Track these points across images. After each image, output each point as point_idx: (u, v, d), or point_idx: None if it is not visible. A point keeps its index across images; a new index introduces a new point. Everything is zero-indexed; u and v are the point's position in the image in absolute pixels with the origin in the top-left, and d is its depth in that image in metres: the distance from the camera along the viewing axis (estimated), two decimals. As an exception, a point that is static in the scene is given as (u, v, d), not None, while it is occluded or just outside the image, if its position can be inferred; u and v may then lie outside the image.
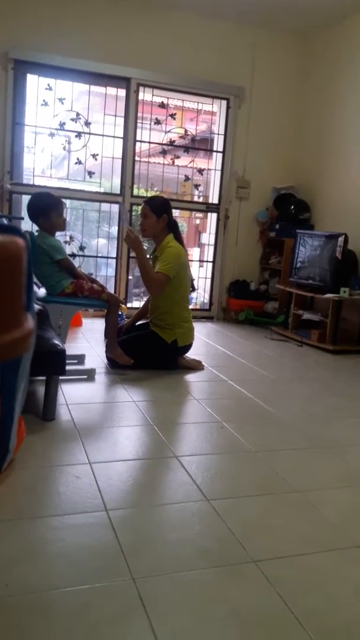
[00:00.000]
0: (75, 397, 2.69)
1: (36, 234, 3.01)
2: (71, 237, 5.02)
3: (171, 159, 5.31)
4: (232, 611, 1.27)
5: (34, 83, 4.76)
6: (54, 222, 3.00)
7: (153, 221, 3.29)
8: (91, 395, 2.81)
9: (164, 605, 1.27)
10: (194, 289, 3.78)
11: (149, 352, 3.30)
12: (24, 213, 4.92)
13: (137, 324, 3.63)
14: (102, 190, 5.15)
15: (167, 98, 5.20)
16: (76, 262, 4.88)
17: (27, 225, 4.76)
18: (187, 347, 3.43)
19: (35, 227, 3.09)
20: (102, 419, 2.54)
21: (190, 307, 3.94)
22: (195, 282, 5.56)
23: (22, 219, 4.19)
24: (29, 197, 3.12)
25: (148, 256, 3.38)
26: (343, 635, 1.23)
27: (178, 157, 5.35)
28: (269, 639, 1.20)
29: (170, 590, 1.33)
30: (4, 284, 0.69)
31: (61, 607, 1.24)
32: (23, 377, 0.95)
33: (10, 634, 1.16)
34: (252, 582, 1.38)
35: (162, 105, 5.19)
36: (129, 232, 3.24)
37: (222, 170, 5.43)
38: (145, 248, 3.42)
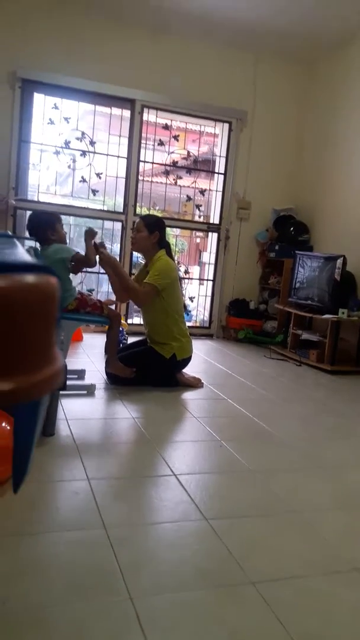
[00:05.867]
0: (75, 413, 2.70)
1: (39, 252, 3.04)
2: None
3: (174, 179, 5.39)
4: (229, 632, 1.27)
5: (41, 102, 4.85)
6: (61, 232, 3.06)
7: (144, 236, 3.36)
8: (91, 410, 2.82)
9: (161, 625, 1.27)
10: (185, 309, 3.82)
11: (148, 368, 3.31)
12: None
13: (135, 341, 3.66)
14: (105, 208, 5.22)
15: (171, 120, 5.30)
16: (78, 277, 4.91)
17: (30, 242, 4.79)
18: (186, 361, 3.44)
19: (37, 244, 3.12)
20: (101, 435, 2.54)
21: (190, 324, 3.97)
22: (194, 300, 5.63)
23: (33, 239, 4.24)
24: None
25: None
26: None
27: (180, 178, 5.43)
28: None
29: (168, 610, 1.32)
30: (39, 325, 0.70)
31: (59, 624, 1.24)
32: (45, 402, 0.96)
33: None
34: (250, 604, 1.38)
35: (165, 127, 5.28)
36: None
37: (223, 191, 5.51)
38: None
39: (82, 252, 3.03)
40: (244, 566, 1.53)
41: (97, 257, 3.12)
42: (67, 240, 3.23)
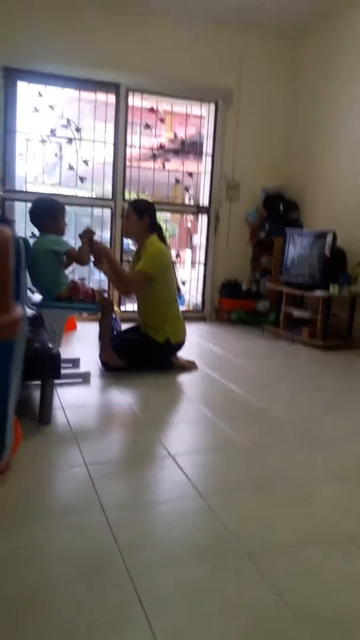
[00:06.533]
0: (71, 401, 2.73)
1: (31, 240, 3.04)
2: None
3: (162, 163, 5.36)
4: (227, 605, 1.30)
5: (25, 90, 4.80)
6: (61, 223, 3.06)
7: (134, 222, 3.36)
8: (86, 398, 2.85)
9: (161, 601, 1.30)
10: (179, 290, 3.84)
11: (142, 354, 3.34)
12: (18, 219, 4.96)
13: (128, 327, 3.68)
14: (94, 195, 5.20)
15: (157, 102, 5.25)
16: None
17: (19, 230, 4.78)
18: (180, 345, 3.47)
19: (27, 234, 3.12)
20: (97, 421, 2.58)
21: (183, 308, 4.00)
22: (186, 283, 5.64)
23: (14, 221, 4.22)
24: (24, 203, 3.16)
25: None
26: (336, 627, 1.25)
27: (168, 161, 5.40)
28: (265, 632, 1.23)
29: (167, 586, 1.35)
30: None
31: (59, 605, 1.26)
32: (16, 368, 0.98)
33: (7, 633, 1.18)
34: (247, 577, 1.41)
35: (151, 110, 5.24)
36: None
37: (211, 172, 5.48)
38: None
39: (76, 247, 3.05)
40: (240, 540, 1.57)
41: (91, 255, 3.14)
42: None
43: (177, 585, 1.37)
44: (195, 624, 1.24)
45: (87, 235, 3.10)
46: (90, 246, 3.12)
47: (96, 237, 3.18)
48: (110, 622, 1.23)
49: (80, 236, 3.11)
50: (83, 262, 3.10)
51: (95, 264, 3.28)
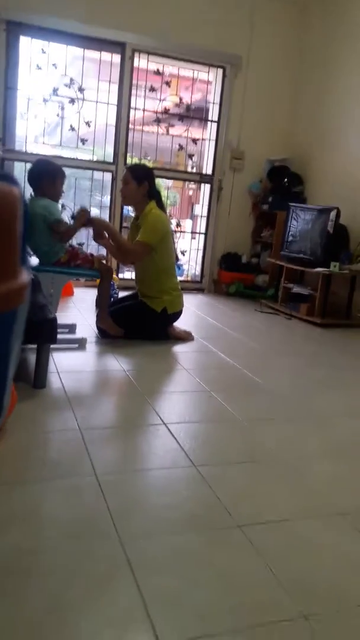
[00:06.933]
0: (66, 366, 2.72)
1: (28, 201, 2.98)
2: (63, 206, 4.97)
3: (165, 128, 5.23)
4: (218, 575, 1.31)
5: (27, 46, 4.63)
6: (58, 188, 3.00)
7: (133, 188, 3.28)
8: (82, 364, 2.84)
9: (151, 567, 1.31)
10: (177, 259, 3.79)
11: (139, 322, 3.32)
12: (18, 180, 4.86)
13: (126, 295, 3.65)
14: (95, 158, 5.09)
15: (163, 65, 5.09)
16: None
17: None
18: (177, 315, 3.45)
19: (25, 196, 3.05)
20: (92, 387, 2.57)
21: (182, 278, 3.96)
22: (185, 253, 5.59)
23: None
24: (23, 164, 3.09)
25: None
26: (325, 599, 1.27)
27: (172, 126, 5.27)
28: (253, 601, 1.24)
29: (157, 553, 1.36)
30: (1, 231, 0.68)
31: (50, 569, 1.27)
32: (18, 336, 0.94)
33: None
34: (238, 547, 1.42)
35: (157, 73, 5.09)
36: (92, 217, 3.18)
37: (216, 140, 5.36)
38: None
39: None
40: (231, 511, 1.58)
41: (91, 229, 3.12)
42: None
43: (168, 552, 1.38)
44: (184, 591, 1.25)
45: (81, 215, 3.03)
46: (91, 224, 3.07)
47: (95, 207, 3.12)
48: (101, 586, 1.24)
49: (75, 217, 3.04)
50: (63, 240, 2.99)
51: (95, 238, 3.21)
